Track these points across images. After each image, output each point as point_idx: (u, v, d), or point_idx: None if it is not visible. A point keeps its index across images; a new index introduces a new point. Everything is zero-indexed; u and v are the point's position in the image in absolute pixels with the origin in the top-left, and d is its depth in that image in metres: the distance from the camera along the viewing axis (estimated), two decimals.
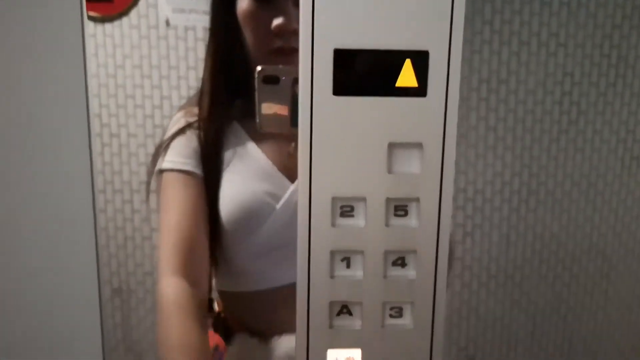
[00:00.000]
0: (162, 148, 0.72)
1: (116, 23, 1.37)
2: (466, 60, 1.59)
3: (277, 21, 0.64)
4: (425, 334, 0.35)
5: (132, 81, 1.39)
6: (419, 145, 0.32)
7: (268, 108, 0.46)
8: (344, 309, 0.34)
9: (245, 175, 0.69)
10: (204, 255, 0.68)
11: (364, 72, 0.31)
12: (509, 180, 1.54)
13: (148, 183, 0.74)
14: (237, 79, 0.71)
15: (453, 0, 0.31)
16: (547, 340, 1.63)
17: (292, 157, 0.70)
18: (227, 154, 0.70)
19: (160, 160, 0.71)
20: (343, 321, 0.34)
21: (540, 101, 1.55)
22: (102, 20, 1.37)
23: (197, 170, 0.69)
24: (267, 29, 0.65)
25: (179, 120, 0.73)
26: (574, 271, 1.61)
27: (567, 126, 1.56)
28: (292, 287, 0.68)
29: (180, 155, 0.69)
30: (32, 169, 0.33)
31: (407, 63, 0.31)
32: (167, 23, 1.38)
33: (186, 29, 1.41)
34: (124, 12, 1.37)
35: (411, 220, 0.33)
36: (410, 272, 0.34)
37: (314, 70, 0.31)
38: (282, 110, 0.46)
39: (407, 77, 0.31)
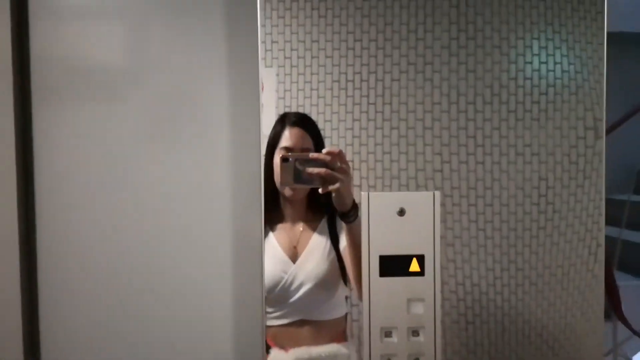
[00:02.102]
0: None
1: None
2: (455, 171, 1.93)
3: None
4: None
5: None
6: (422, 299, 0.64)
7: (283, 175, 0.85)
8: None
9: (270, 260, 1.10)
10: None
11: (395, 265, 0.64)
12: (500, 275, 1.84)
13: None
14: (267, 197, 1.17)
15: (435, 221, 0.64)
16: None
17: (295, 247, 1.12)
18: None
19: None
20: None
21: (521, 203, 1.88)
22: None
23: None
24: None
25: None
26: (555, 350, 1.86)
27: (545, 224, 1.88)
28: (300, 321, 1.14)
29: None
30: None
31: (414, 260, 0.64)
32: None
33: None
34: None
35: (421, 338, 0.64)
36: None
37: (369, 265, 0.63)
38: (290, 176, 0.85)
39: (414, 266, 0.64)
